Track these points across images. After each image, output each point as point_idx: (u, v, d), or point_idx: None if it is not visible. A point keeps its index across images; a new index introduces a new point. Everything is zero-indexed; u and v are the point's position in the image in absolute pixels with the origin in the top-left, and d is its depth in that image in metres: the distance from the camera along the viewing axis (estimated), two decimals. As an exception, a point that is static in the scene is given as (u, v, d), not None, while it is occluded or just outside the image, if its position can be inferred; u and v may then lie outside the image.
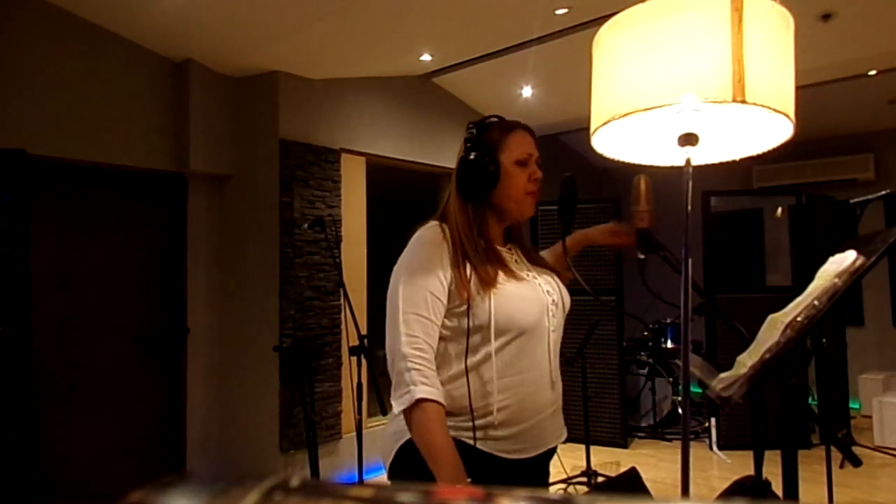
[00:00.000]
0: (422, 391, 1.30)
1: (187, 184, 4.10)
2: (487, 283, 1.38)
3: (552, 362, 1.46)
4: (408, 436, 1.36)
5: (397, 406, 1.33)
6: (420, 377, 1.32)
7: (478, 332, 1.38)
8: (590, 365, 4.43)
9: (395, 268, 1.44)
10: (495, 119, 1.51)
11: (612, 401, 4.85)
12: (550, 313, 1.45)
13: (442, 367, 1.39)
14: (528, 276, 1.47)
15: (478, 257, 1.40)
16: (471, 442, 1.36)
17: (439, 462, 1.28)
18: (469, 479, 1.30)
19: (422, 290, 1.37)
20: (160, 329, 3.98)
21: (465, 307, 1.37)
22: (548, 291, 1.47)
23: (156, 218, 4.01)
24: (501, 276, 1.40)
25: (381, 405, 2.97)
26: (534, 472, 1.46)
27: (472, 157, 1.43)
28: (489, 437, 1.37)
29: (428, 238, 1.43)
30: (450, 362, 1.40)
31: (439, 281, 1.38)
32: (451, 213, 1.46)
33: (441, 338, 1.39)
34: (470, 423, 1.36)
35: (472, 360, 1.38)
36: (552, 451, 1.49)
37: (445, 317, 1.39)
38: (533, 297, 1.43)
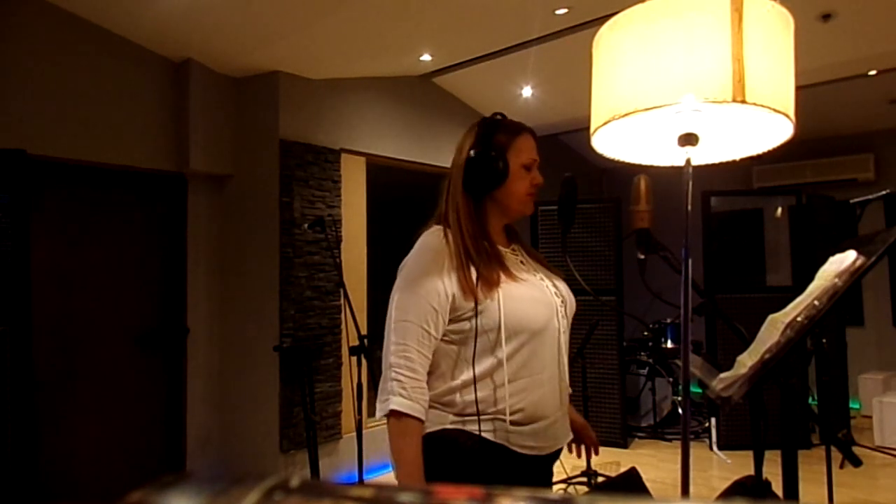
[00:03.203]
0: (396, 403, 1.32)
1: (187, 184, 4.10)
2: (493, 284, 1.37)
3: (562, 364, 1.45)
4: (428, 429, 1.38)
5: (378, 411, 1.36)
6: (399, 388, 1.33)
7: (488, 335, 1.37)
8: (590, 365, 4.44)
9: (399, 273, 1.44)
10: (500, 117, 1.51)
11: (612, 401, 4.85)
12: (559, 314, 1.45)
13: (454, 371, 1.39)
14: (535, 277, 1.46)
15: (482, 259, 1.39)
16: (476, 432, 1.37)
17: (402, 473, 1.33)
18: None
19: (419, 300, 1.36)
20: (160, 329, 3.98)
21: (473, 312, 1.36)
22: (556, 293, 1.46)
23: (156, 218, 4.01)
24: (507, 278, 1.39)
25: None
26: (542, 469, 1.47)
27: (483, 153, 1.43)
28: (500, 430, 1.37)
29: (429, 245, 1.43)
30: (462, 367, 1.38)
31: (438, 292, 1.36)
32: (453, 211, 1.45)
33: (452, 342, 1.39)
34: (485, 420, 1.37)
35: (484, 363, 1.37)
36: (558, 452, 1.49)
37: (455, 322, 1.38)
38: (541, 299, 1.43)
